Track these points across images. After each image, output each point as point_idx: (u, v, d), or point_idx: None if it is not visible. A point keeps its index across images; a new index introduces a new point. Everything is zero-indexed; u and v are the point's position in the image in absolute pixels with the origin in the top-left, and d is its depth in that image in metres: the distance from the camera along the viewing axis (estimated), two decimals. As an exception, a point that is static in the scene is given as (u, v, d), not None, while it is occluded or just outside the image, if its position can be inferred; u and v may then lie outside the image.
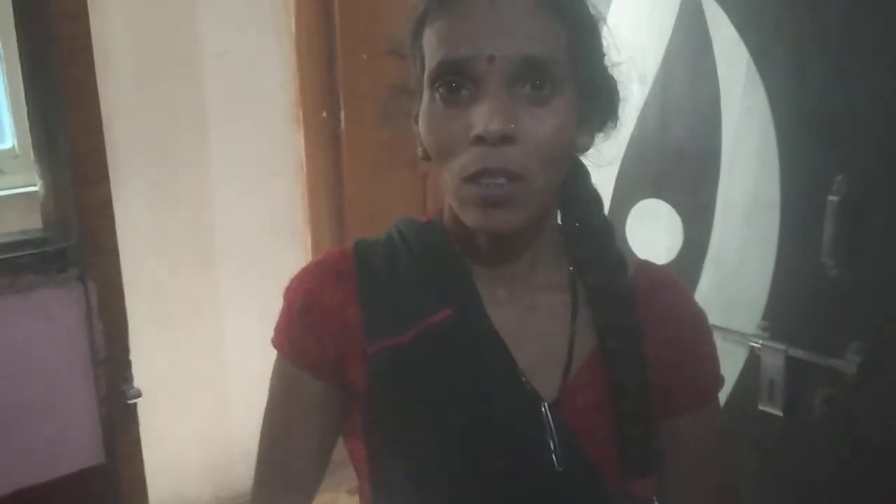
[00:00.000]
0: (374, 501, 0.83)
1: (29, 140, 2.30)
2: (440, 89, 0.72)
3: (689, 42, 1.61)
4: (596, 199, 0.86)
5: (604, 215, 0.86)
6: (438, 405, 0.79)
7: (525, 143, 0.70)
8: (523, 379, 0.80)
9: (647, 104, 1.66)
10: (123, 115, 2.20)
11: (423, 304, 0.81)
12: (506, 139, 0.69)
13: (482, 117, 0.69)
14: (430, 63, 0.74)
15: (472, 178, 0.71)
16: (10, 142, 2.33)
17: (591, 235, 0.84)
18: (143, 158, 2.35)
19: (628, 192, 1.73)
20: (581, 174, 0.85)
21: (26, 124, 2.31)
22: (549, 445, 0.78)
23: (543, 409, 0.79)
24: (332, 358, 0.82)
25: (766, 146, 1.52)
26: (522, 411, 0.79)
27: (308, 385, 0.84)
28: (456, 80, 0.71)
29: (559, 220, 0.86)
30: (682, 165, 1.67)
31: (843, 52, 1.40)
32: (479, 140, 0.70)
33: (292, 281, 0.86)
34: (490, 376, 0.80)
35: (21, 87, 2.26)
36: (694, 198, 1.65)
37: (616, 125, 0.82)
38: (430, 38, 0.74)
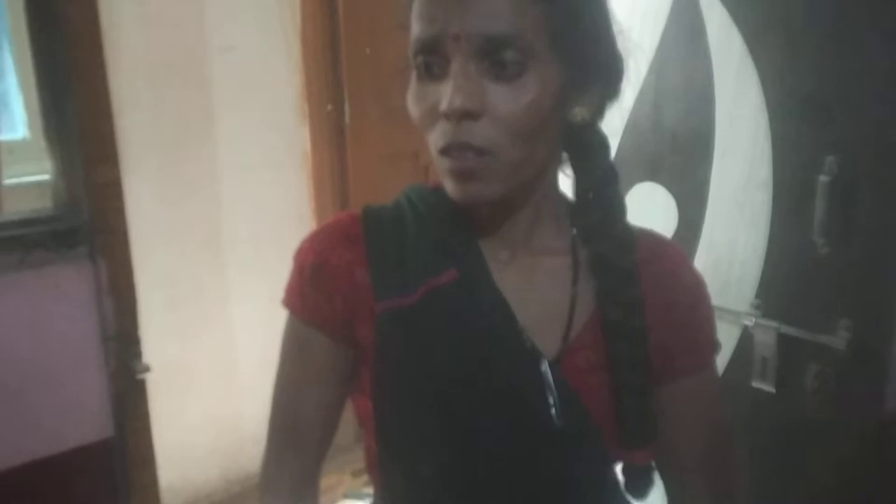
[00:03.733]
0: (380, 456, 0.85)
1: (40, 130, 2.36)
2: (419, 66, 0.75)
3: (683, 27, 1.64)
4: (611, 171, 0.85)
5: (618, 189, 0.86)
6: (442, 362, 0.81)
7: (493, 118, 0.72)
8: (524, 337, 0.82)
9: (642, 89, 1.70)
10: (133, 108, 2.24)
11: (429, 265, 0.83)
12: (469, 115, 0.72)
13: (448, 94, 0.72)
14: (411, 40, 0.76)
15: (443, 152, 0.74)
16: (21, 131, 2.37)
17: (601, 208, 0.85)
18: (152, 150, 2.40)
19: (624, 175, 1.72)
20: (596, 145, 0.84)
21: (38, 114, 2.36)
22: (549, 402, 0.80)
23: (543, 366, 0.81)
24: (341, 316, 0.85)
25: (758, 128, 1.54)
26: (523, 368, 0.81)
27: (318, 343, 0.86)
28: (429, 58, 0.74)
29: (573, 188, 0.87)
30: (676, 149, 1.70)
31: (834, 35, 1.43)
32: (445, 116, 0.72)
33: (303, 243, 0.89)
34: (492, 334, 0.82)
35: (32, 77, 2.32)
36: (688, 180, 1.68)
37: (618, 94, 0.82)
38: (413, 15, 0.76)
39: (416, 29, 0.75)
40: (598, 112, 0.83)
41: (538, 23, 0.73)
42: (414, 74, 0.77)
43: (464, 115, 0.72)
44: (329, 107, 2.82)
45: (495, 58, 0.72)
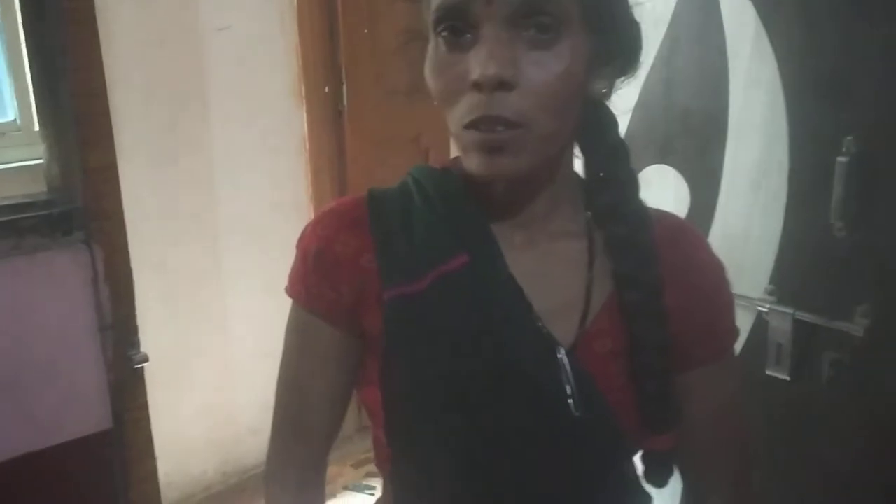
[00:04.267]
0: (390, 447, 0.82)
1: (30, 113, 2.31)
2: (442, 34, 0.71)
3: (696, 4, 1.60)
4: (622, 148, 0.82)
5: (629, 166, 0.83)
6: (455, 350, 0.78)
7: (526, 89, 0.69)
8: (539, 324, 0.79)
9: (653, 68, 1.65)
10: (125, 89, 2.19)
11: (438, 249, 0.80)
12: (504, 85, 0.68)
13: (480, 62, 0.68)
14: (432, 6, 0.72)
15: (472, 125, 0.70)
16: (11, 114, 2.32)
17: (614, 186, 0.82)
18: (145, 133, 2.34)
19: (634, 157, 1.71)
20: (606, 122, 0.82)
21: (27, 97, 2.30)
22: (566, 391, 0.77)
23: (560, 354, 0.78)
24: (348, 304, 0.82)
25: (774, 108, 1.51)
26: (539, 356, 0.78)
27: (324, 333, 0.83)
28: (456, 24, 0.70)
29: (583, 168, 0.84)
30: (688, 130, 1.66)
31: (851, 12, 1.39)
32: (477, 86, 0.68)
33: (306, 229, 0.85)
34: (506, 321, 0.79)
35: (22, 59, 2.27)
36: (701, 162, 1.65)
37: (637, 69, 0.79)
38: None
39: None
40: (614, 87, 0.80)
41: None
42: (434, 44, 0.73)
43: (498, 85, 0.68)
44: (326, 89, 2.77)
45: (529, 23, 0.68)
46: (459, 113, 0.71)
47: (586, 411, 0.77)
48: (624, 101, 0.83)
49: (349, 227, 0.82)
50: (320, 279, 0.82)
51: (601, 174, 0.83)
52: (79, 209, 1.36)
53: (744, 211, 1.59)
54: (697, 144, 1.65)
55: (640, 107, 1.68)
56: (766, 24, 1.50)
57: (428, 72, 0.74)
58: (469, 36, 0.70)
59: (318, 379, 0.85)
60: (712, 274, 0.86)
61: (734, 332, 0.88)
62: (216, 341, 2.65)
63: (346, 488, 2.79)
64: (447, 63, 0.71)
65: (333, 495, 2.71)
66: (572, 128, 0.77)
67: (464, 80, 0.70)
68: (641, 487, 0.88)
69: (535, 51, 0.69)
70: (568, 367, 0.78)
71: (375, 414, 0.83)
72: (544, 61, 0.69)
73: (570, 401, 0.77)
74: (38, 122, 1.43)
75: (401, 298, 0.79)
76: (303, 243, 0.84)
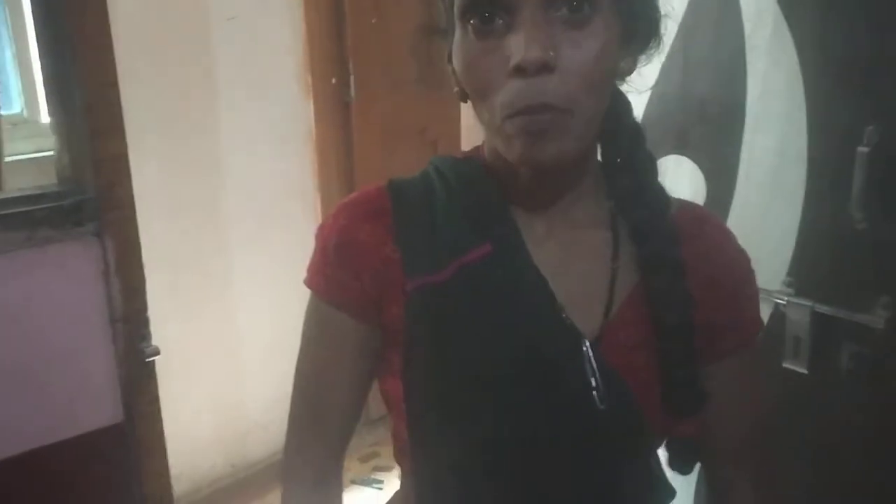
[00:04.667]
0: (411, 441, 0.81)
1: (37, 105, 2.30)
2: (472, 21, 0.69)
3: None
4: (638, 131, 0.82)
5: (646, 149, 0.83)
6: (477, 341, 0.77)
7: (566, 70, 0.67)
8: (563, 316, 0.78)
9: (669, 55, 1.63)
10: (132, 79, 2.16)
11: (461, 239, 0.79)
12: (546, 68, 0.66)
13: (519, 46, 0.66)
14: None
15: (517, 114, 0.68)
16: (17, 107, 2.31)
17: (632, 170, 0.81)
18: (152, 124, 2.32)
19: (650, 147, 1.70)
20: (621, 105, 0.81)
21: (34, 89, 2.29)
22: (591, 384, 0.76)
23: (585, 346, 0.77)
24: (369, 295, 0.80)
25: (793, 97, 1.48)
26: (563, 349, 0.77)
27: (344, 325, 0.81)
28: (488, 10, 0.68)
29: (600, 153, 0.83)
30: (705, 120, 1.64)
31: (873, -2, 1.37)
32: (519, 71, 0.67)
33: (326, 219, 0.84)
34: (530, 313, 0.78)
35: (28, 52, 2.25)
36: (717, 152, 1.63)
37: (659, 45, 0.78)
38: None
39: None
40: (637, 65, 0.79)
41: None
42: (463, 33, 0.71)
43: (541, 69, 0.66)
44: (333, 80, 2.75)
45: (561, 3, 0.67)
46: (500, 103, 0.69)
47: (611, 404, 0.77)
48: (642, 80, 0.81)
49: (371, 217, 0.81)
50: (341, 269, 0.81)
51: (618, 159, 0.82)
52: (90, 200, 1.34)
53: (761, 202, 1.57)
54: (714, 134, 1.63)
55: (656, 96, 1.66)
56: (786, 11, 1.48)
57: (459, 63, 0.73)
58: (501, 21, 0.68)
59: (337, 371, 0.84)
60: (737, 263, 0.85)
61: (759, 322, 0.87)
62: (223, 333, 2.63)
63: (353, 482, 2.78)
64: (482, 51, 0.70)
65: (341, 489, 2.69)
66: (604, 111, 0.75)
67: (501, 68, 0.68)
68: (666, 481, 0.87)
69: (571, 31, 0.68)
70: (592, 360, 0.77)
71: (396, 406, 0.82)
72: (580, 41, 0.68)
73: (594, 393, 0.76)
74: (49, 112, 1.41)
75: (423, 289, 0.78)
76: (323, 234, 0.83)
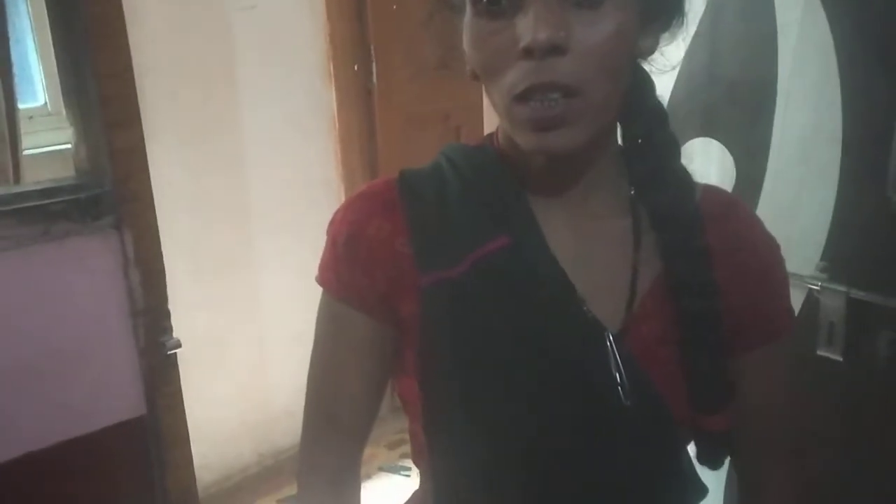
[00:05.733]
0: (429, 441, 0.79)
1: (59, 97, 2.30)
2: (482, 1, 0.67)
3: (743, -34, 1.52)
4: (660, 111, 0.79)
5: (669, 130, 0.79)
6: (496, 337, 0.75)
7: (578, 52, 0.64)
8: (585, 308, 0.75)
9: (696, 35, 1.58)
10: (153, 70, 2.16)
11: (476, 231, 0.76)
12: (556, 49, 0.64)
13: (528, 27, 0.64)
14: None
15: (523, 96, 0.66)
16: (41, 98, 2.31)
17: (654, 152, 0.78)
18: (173, 114, 2.32)
19: (676, 130, 1.65)
20: (643, 84, 0.78)
21: (56, 81, 2.30)
22: (615, 378, 0.74)
23: (608, 339, 0.74)
24: (382, 292, 0.78)
25: (826, 75, 1.43)
26: (586, 342, 0.75)
27: (357, 323, 0.79)
28: None
29: (621, 135, 0.80)
30: (734, 100, 1.59)
31: (910, -30, 1.31)
32: (527, 53, 0.64)
33: (336, 214, 0.82)
34: (550, 306, 0.75)
35: (49, 43, 2.26)
36: (747, 135, 1.57)
37: (683, 22, 0.75)
38: None
39: None
40: (658, 45, 0.75)
41: None
42: (472, 13, 0.68)
43: (550, 50, 0.63)
44: (355, 67, 2.73)
45: None
46: (508, 84, 0.66)
47: (637, 399, 0.74)
48: (665, 59, 0.78)
49: (381, 211, 0.79)
50: (352, 266, 0.78)
51: (639, 141, 0.78)
52: (108, 192, 1.33)
53: (793, 184, 1.52)
54: (743, 115, 1.58)
55: (683, 77, 1.61)
56: (818, -14, 1.42)
57: (468, 43, 0.70)
58: (510, 1, 0.65)
59: (351, 370, 0.82)
60: (766, 251, 0.82)
61: (791, 313, 0.83)
62: (248, 322, 2.64)
63: (381, 469, 2.78)
64: (490, 32, 0.67)
65: (368, 476, 2.70)
66: (622, 93, 0.72)
67: (510, 49, 0.65)
68: (697, 478, 0.84)
69: (584, 10, 0.65)
70: (616, 354, 0.74)
71: (412, 406, 0.80)
72: (595, 21, 0.65)
73: (619, 389, 0.73)
74: (65, 104, 1.40)
75: (438, 284, 0.75)
76: (333, 229, 0.81)
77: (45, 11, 2.10)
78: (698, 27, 1.58)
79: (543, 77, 0.64)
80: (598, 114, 0.68)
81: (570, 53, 0.64)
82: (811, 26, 1.44)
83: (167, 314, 1.45)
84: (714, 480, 0.83)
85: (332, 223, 0.82)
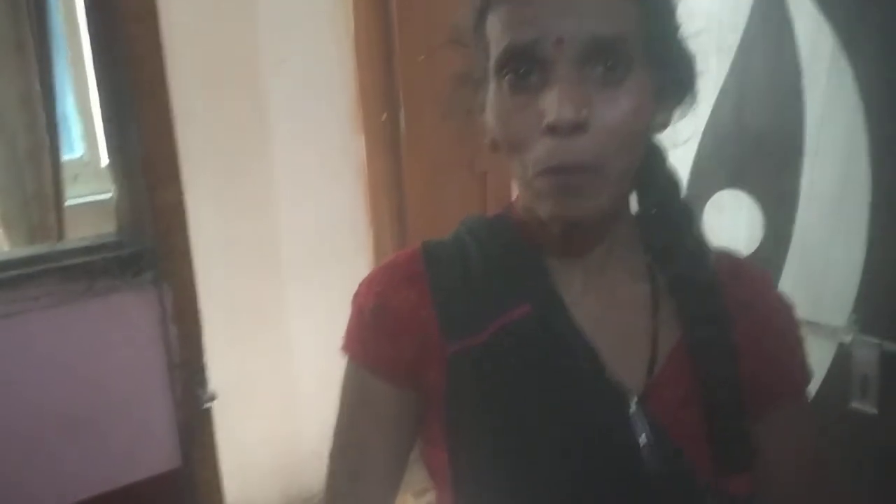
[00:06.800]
0: None
1: (97, 149, 2.37)
2: (507, 76, 0.69)
3: (769, 21, 1.54)
4: (673, 182, 0.80)
5: (682, 200, 0.80)
6: (522, 403, 0.75)
7: (599, 129, 0.66)
8: (607, 374, 0.75)
9: (723, 88, 1.60)
10: (188, 123, 2.21)
11: (499, 300, 0.77)
12: (579, 128, 0.65)
13: (553, 105, 0.65)
14: (495, 50, 0.70)
15: (549, 172, 0.67)
16: (79, 150, 2.38)
17: (669, 222, 0.79)
18: (208, 166, 2.36)
19: (704, 182, 1.66)
20: (657, 156, 0.79)
21: (94, 133, 2.37)
22: (639, 443, 0.74)
23: (633, 404, 0.74)
24: (408, 361, 0.79)
25: (854, 126, 1.44)
26: (610, 407, 0.75)
27: (382, 392, 0.80)
28: (523, 66, 0.67)
29: (637, 205, 0.81)
30: (762, 153, 1.60)
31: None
32: (552, 130, 0.65)
33: (361, 286, 0.83)
34: (573, 372, 0.75)
35: (89, 96, 2.33)
36: (775, 186, 1.58)
37: (695, 100, 0.76)
38: (494, 24, 0.71)
39: (505, 36, 0.68)
40: (672, 120, 0.77)
41: (637, 23, 0.68)
42: (497, 87, 0.70)
43: (574, 128, 0.65)
44: (384, 116, 2.77)
45: (601, 62, 0.66)
46: (532, 159, 0.68)
47: (661, 463, 0.74)
48: (680, 132, 0.80)
49: (406, 282, 0.80)
50: (378, 335, 0.79)
51: (653, 211, 0.80)
52: (148, 249, 1.36)
53: (823, 235, 1.52)
54: (771, 166, 1.59)
55: (710, 130, 1.63)
56: (844, 41, 1.44)
57: (493, 117, 0.72)
58: (535, 77, 0.67)
59: (376, 439, 0.81)
60: (780, 311, 0.82)
61: (808, 373, 0.83)
62: (279, 369, 2.65)
63: (409, 517, 2.75)
64: (515, 107, 0.69)
65: (396, 524, 2.67)
66: (638, 165, 0.74)
67: (534, 124, 0.67)
68: None
69: (606, 89, 0.67)
70: (642, 418, 0.74)
71: (439, 475, 0.80)
72: (616, 99, 0.67)
73: (643, 453, 0.73)
74: (109, 162, 1.44)
75: (463, 352, 0.76)
76: (358, 300, 0.82)
77: (84, 65, 2.18)
78: (723, 84, 1.60)
79: (567, 158, 0.66)
80: (616, 186, 0.70)
81: (591, 130, 0.66)
82: (837, 80, 1.45)
83: (203, 367, 1.47)
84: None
85: (357, 294, 0.83)
